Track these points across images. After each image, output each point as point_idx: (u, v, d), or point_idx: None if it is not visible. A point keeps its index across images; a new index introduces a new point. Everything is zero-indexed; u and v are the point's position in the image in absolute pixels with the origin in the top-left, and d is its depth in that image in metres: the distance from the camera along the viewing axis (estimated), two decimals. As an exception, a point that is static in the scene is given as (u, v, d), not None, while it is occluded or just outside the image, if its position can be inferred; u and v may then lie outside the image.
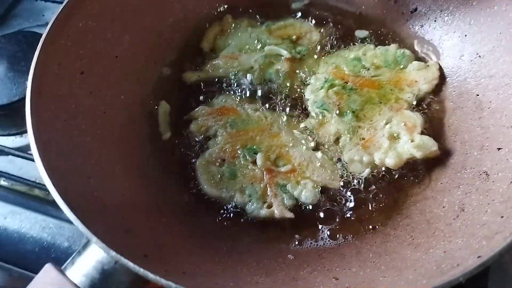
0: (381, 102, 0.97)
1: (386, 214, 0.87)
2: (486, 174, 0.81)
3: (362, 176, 0.90)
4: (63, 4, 0.88)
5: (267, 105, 1.02)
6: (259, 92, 1.04)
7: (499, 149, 0.83)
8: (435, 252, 0.71)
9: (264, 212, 0.86)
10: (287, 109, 1.01)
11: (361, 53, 1.05)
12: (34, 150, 0.71)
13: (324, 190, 0.89)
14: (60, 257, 0.98)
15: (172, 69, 1.09)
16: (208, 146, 0.96)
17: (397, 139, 0.91)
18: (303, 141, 0.95)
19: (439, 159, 0.91)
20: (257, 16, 1.17)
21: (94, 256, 0.65)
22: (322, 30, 1.11)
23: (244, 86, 1.05)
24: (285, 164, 0.91)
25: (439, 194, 0.85)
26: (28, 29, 1.37)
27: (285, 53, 1.05)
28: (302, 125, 0.98)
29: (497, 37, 0.91)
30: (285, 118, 0.99)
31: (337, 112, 0.96)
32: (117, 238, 0.67)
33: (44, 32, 0.84)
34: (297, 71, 1.05)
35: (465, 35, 0.99)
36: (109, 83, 0.95)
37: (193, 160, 0.95)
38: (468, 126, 0.92)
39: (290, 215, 0.85)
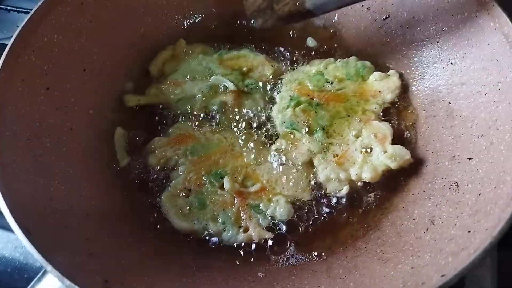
0: (348, 115, 0.96)
1: (357, 226, 0.86)
2: (457, 185, 0.80)
3: (341, 194, 0.89)
4: (27, 18, 0.86)
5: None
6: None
7: (469, 159, 0.82)
8: (403, 268, 0.71)
9: (241, 237, 0.83)
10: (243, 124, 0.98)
11: (322, 67, 1.04)
12: (-9, 173, 0.69)
13: (294, 204, 0.88)
14: (32, 277, 0.96)
15: (138, 84, 1.06)
16: (170, 178, 0.92)
17: (370, 152, 0.91)
18: (268, 157, 0.93)
19: (411, 169, 0.90)
20: (215, 43, 1.13)
21: (53, 284, 0.64)
22: (275, 65, 1.07)
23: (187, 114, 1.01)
24: (253, 184, 0.89)
25: (410, 206, 0.84)
26: (1, 41, 1.35)
27: (230, 85, 1.01)
28: (273, 147, 0.95)
29: (468, 44, 0.90)
30: (242, 136, 0.96)
31: (307, 130, 0.94)
32: (78, 263, 0.65)
33: (6, 47, 0.82)
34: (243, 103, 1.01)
35: (437, 42, 0.98)
36: (77, 98, 0.93)
37: (156, 188, 0.92)
38: (439, 135, 0.91)
39: (268, 235, 0.84)
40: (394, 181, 0.90)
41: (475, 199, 0.74)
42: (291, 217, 0.86)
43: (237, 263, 0.83)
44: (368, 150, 0.91)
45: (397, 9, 1.04)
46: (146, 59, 1.09)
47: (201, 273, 0.79)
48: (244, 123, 0.98)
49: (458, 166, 0.83)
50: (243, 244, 0.85)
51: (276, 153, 0.93)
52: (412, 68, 1.03)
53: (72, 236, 0.72)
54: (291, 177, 0.90)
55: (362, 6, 1.09)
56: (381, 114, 0.98)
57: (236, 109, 1.00)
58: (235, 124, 0.99)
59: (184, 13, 1.14)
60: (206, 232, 0.85)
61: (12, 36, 1.38)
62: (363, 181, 0.89)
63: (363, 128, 0.94)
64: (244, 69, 1.06)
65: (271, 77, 1.05)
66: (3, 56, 0.81)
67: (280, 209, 0.85)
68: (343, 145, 0.93)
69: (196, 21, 1.16)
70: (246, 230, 0.84)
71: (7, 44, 1.29)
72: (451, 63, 0.94)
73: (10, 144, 0.76)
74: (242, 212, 0.86)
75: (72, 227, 0.74)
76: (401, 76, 1.02)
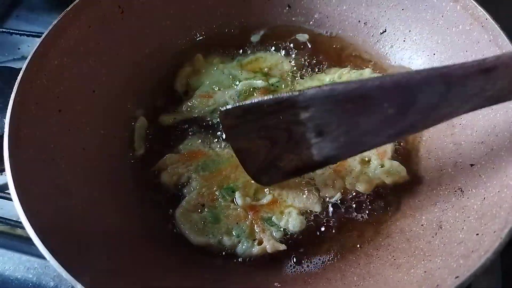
0: None
1: (368, 234, 0.88)
2: (461, 191, 0.84)
3: (333, 201, 0.92)
4: (38, 43, 0.88)
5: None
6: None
7: (471, 165, 0.85)
8: (416, 272, 0.73)
9: (256, 250, 0.85)
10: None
11: (336, 76, 1.07)
12: (14, 196, 0.71)
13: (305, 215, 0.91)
14: (45, 299, 0.97)
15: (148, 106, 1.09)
16: (183, 194, 0.94)
17: (368, 164, 0.94)
18: None
19: (415, 177, 0.93)
20: (226, 52, 1.17)
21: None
22: (292, 61, 1.13)
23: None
24: (265, 196, 0.91)
25: (418, 212, 0.87)
26: (4, 64, 1.37)
27: (259, 82, 1.06)
28: None
29: (464, 55, 0.95)
30: None
31: None
32: (103, 281, 0.67)
33: (20, 72, 0.84)
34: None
35: (434, 54, 1.02)
36: (88, 119, 0.95)
37: (170, 205, 0.93)
38: (441, 143, 0.95)
39: (282, 247, 0.85)
40: (400, 189, 0.93)
41: (480, 203, 0.77)
42: (303, 228, 0.89)
43: (253, 275, 0.84)
44: (366, 160, 0.95)
45: (393, 23, 1.09)
46: (153, 78, 1.11)
47: (217, 285, 0.80)
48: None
49: (461, 172, 0.86)
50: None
51: None
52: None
53: (93, 256, 0.74)
54: (302, 189, 0.92)
55: (359, 21, 1.14)
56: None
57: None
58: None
59: (188, 33, 1.17)
60: (222, 246, 0.87)
61: (13, 59, 1.43)
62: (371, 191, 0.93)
63: None
64: (265, 69, 1.11)
65: (294, 69, 1.11)
66: (17, 81, 0.83)
67: (292, 221, 0.88)
68: None
69: (199, 39, 1.19)
70: (260, 242, 0.86)
71: (8, 67, 1.34)
72: (448, 74, 0.98)
73: (27, 167, 0.77)
74: (255, 225, 0.88)
75: (92, 246, 0.76)
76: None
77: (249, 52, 1.16)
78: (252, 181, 0.92)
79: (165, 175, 0.96)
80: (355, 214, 0.91)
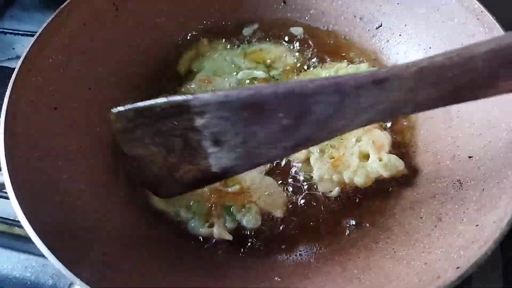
0: None
1: (366, 227, 0.88)
2: (460, 183, 0.84)
3: (332, 195, 0.92)
4: (32, 40, 0.87)
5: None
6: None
7: (470, 157, 0.85)
8: (417, 264, 0.73)
9: (203, 230, 0.87)
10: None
11: (333, 71, 1.07)
12: (11, 195, 0.70)
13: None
14: (44, 297, 0.96)
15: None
16: None
17: (366, 158, 0.94)
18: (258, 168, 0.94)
19: (414, 170, 0.93)
20: (232, 38, 1.18)
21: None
22: (296, 54, 1.13)
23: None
24: (234, 185, 0.92)
25: (416, 205, 0.87)
26: (-2, 64, 1.36)
27: (260, 73, 1.07)
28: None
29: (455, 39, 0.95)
30: None
31: None
32: (102, 277, 0.66)
33: (15, 70, 0.83)
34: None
35: (430, 48, 1.02)
36: (83, 116, 0.94)
37: None
38: (438, 136, 0.94)
39: (228, 237, 0.87)
40: (397, 183, 0.93)
41: (479, 195, 0.77)
42: (256, 227, 0.89)
43: (252, 269, 0.84)
44: (364, 155, 0.95)
45: (389, 18, 1.09)
46: (148, 75, 1.10)
47: (217, 283, 0.80)
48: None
49: (459, 165, 0.86)
50: (248, 249, 0.88)
51: None
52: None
53: (91, 252, 0.73)
54: (271, 191, 0.93)
55: (355, 16, 1.14)
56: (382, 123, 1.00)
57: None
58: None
59: (182, 29, 1.16)
60: (177, 216, 0.90)
61: (8, 59, 1.42)
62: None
63: (363, 134, 0.97)
64: (268, 61, 1.11)
65: (298, 64, 1.11)
66: (12, 79, 0.82)
67: (248, 217, 0.89)
68: (341, 148, 0.96)
69: (194, 34, 1.18)
70: (211, 225, 0.88)
71: (3, 67, 1.33)
72: (445, 67, 0.98)
73: (23, 165, 0.77)
74: (213, 209, 0.89)
75: (91, 244, 0.75)
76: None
77: (254, 41, 1.17)
78: None
79: None
80: (353, 207, 0.91)
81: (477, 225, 0.71)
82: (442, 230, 0.78)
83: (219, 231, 0.87)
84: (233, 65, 1.10)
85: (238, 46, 1.16)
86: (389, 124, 1.01)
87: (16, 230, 1.06)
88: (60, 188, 0.80)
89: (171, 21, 1.13)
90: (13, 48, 1.43)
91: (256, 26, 1.20)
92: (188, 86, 1.08)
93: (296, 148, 0.73)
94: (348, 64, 1.09)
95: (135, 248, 0.81)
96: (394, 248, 0.80)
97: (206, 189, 0.91)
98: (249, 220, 0.89)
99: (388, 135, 0.97)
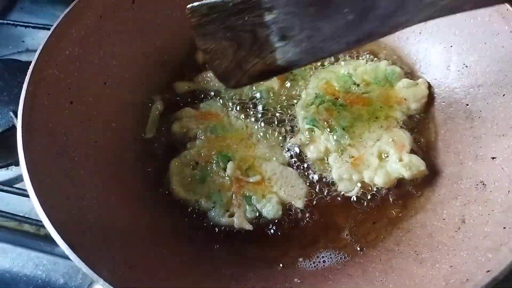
0: (370, 119, 0.97)
1: (388, 228, 0.87)
2: (483, 184, 0.82)
3: (351, 195, 0.91)
4: (49, 32, 0.85)
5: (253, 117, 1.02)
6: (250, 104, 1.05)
7: (493, 158, 0.84)
8: (442, 267, 0.72)
9: (224, 220, 0.87)
10: (274, 123, 1.02)
11: (351, 68, 1.05)
12: (30, 189, 0.69)
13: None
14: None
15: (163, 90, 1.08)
16: (185, 148, 0.97)
17: (386, 158, 0.92)
18: (277, 155, 0.96)
19: (435, 171, 0.92)
20: None
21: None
22: None
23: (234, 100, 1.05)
24: (254, 175, 0.92)
25: (438, 206, 0.86)
26: (8, 57, 1.34)
27: None
28: (291, 141, 0.98)
29: (482, 47, 0.93)
30: (263, 129, 1.00)
31: (328, 129, 0.96)
32: (122, 276, 0.65)
33: (32, 62, 0.82)
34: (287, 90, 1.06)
35: (451, 46, 1.00)
36: (99, 111, 0.93)
37: None
38: (460, 136, 0.93)
39: (249, 227, 0.86)
40: (418, 183, 0.92)
41: (505, 197, 0.76)
42: (277, 218, 0.88)
43: (272, 271, 0.83)
44: (385, 156, 0.93)
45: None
46: (164, 69, 1.09)
47: (239, 284, 0.78)
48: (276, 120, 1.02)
49: (483, 166, 0.85)
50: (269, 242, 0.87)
51: (293, 146, 0.97)
52: (427, 72, 1.05)
53: (110, 249, 0.72)
54: (292, 181, 0.92)
55: (373, 13, 1.12)
56: (403, 122, 0.98)
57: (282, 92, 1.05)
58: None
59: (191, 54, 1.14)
60: (198, 206, 0.90)
61: (18, 51, 1.40)
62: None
63: (383, 133, 0.95)
64: None
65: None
66: (29, 71, 0.80)
67: (269, 207, 0.88)
68: (360, 147, 0.94)
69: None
70: (231, 215, 0.88)
71: (13, 59, 1.31)
72: (466, 66, 0.97)
73: (41, 159, 0.75)
74: (234, 199, 0.89)
75: (108, 240, 0.74)
76: (430, 86, 1.02)
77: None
78: (249, 158, 0.94)
79: (176, 125, 1.00)
80: (373, 208, 0.90)
81: (504, 228, 0.70)
82: (467, 232, 0.77)
83: (240, 221, 0.86)
84: None
85: None
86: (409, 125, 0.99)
87: (26, 227, 1.05)
88: (78, 185, 0.79)
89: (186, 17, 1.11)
90: (23, 41, 1.42)
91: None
92: (205, 75, 1.08)
93: (359, 42, 0.78)
94: (366, 62, 1.08)
95: (155, 246, 0.80)
96: (416, 251, 0.79)
97: (227, 178, 0.91)
98: (270, 211, 0.87)
99: (408, 134, 0.96)
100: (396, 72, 1.04)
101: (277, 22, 0.77)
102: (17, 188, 1.04)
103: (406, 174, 0.90)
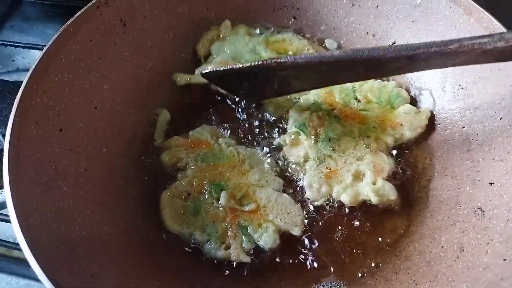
0: (360, 137, 0.96)
1: (385, 255, 0.85)
2: (482, 211, 0.81)
3: (315, 204, 0.91)
4: (37, 59, 0.83)
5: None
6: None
7: (491, 183, 0.83)
8: (441, 299, 0.70)
9: (220, 253, 0.84)
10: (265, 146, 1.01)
11: (358, 83, 1.04)
12: (15, 225, 0.66)
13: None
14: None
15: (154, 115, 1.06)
16: (176, 177, 0.94)
17: (361, 179, 0.91)
18: (272, 181, 0.93)
19: (431, 194, 0.91)
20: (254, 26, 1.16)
21: None
22: (317, 49, 1.11)
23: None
24: (249, 203, 0.89)
25: (436, 233, 0.84)
26: (-2, 76, 1.32)
27: None
28: (275, 141, 0.99)
29: (478, 69, 0.92)
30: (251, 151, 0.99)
31: (313, 136, 0.96)
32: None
33: (19, 91, 0.79)
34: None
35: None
36: (90, 137, 0.91)
37: None
38: (457, 159, 0.92)
39: (246, 259, 0.84)
40: (415, 207, 0.90)
41: (504, 225, 0.75)
42: (274, 247, 0.86)
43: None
44: (360, 176, 0.92)
45: (403, 35, 1.07)
46: (155, 92, 1.07)
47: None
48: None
49: (480, 191, 0.84)
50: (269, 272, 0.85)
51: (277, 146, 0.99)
52: (421, 92, 1.04)
53: (99, 286, 0.69)
54: (288, 208, 0.90)
55: (367, 33, 1.11)
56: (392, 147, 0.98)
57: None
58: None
59: (191, 46, 1.13)
60: (192, 239, 0.87)
61: (8, 71, 1.38)
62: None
63: (367, 154, 0.94)
64: (290, 52, 1.08)
65: None
66: (16, 100, 0.78)
67: (266, 237, 0.85)
68: (340, 162, 0.94)
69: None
70: (227, 247, 0.85)
71: (2, 80, 1.29)
72: (462, 88, 0.96)
73: (29, 192, 0.73)
74: (229, 229, 0.86)
75: (97, 274, 0.72)
76: (432, 116, 1.00)
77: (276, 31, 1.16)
78: (242, 186, 0.92)
79: (165, 154, 0.97)
80: (369, 234, 0.88)
81: (504, 260, 0.68)
82: (466, 262, 0.75)
83: (237, 253, 0.83)
84: (254, 52, 1.07)
85: (261, 33, 1.13)
86: (394, 152, 0.98)
87: (15, 253, 1.02)
88: (66, 216, 0.76)
89: (180, 38, 1.10)
90: (13, 60, 1.39)
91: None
92: (210, 67, 1.06)
93: (366, 79, 1.00)
94: (375, 80, 1.06)
95: (148, 280, 0.77)
96: (415, 280, 0.78)
97: (220, 208, 0.88)
98: (267, 241, 0.85)
99: (392, 162, 0.95)
100: (402, 96, 1.03)
101: (291, 74, 0.90)
102: (5, 215, 1.01)
103: (374, 199, 0.89)
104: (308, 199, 0.92)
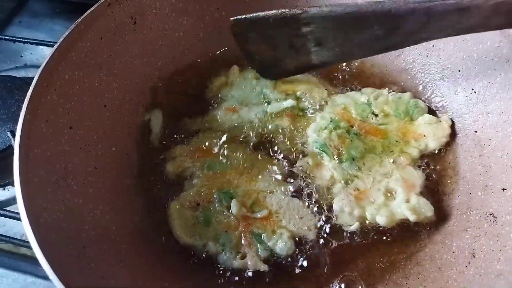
0: (383, 153, 0.93)
1: (395, 260, 0.84)
2: (494, 217, 0.80)
3: (349, 230, 0.86)
4: (48, 57, 0.83)
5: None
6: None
7: (503, 189, 0.82)
8: (452, 306, 0.69)
9: (237, 263, 0.81)
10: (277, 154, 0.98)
11: (372, 97, 1.01)
12: (26, 224, 0.66)
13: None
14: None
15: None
16: (183, 187, 0.92)
17: (393, 196, 0.88)
18: (282, 187, 0.91)
19: (443, 199, 0.90)
20: None
21: None
22: (328, 88, 1.07)
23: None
24: (261, 210, 0.87)
25: (448, 238, 0.83)
26: (6, 72, 1.32)
27: (289, 102, 1.01)
28: (298, 163, 0.94)
29: (491, 74, 0.91)
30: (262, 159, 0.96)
31: (336, 156, 0.93)
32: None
33: (30, 88, 0.79)
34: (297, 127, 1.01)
35: (459, 70, 0.98)
36: (99, 136, 0.90)
37: None
38: (469, 164, 0.91)
39: (264, 268, 0.81)
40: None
41: (517, 232, 0.74)
42: (290, 254, 0.83)
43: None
44: (392, 194, 0.88)
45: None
46: (164, 91, 1.07)
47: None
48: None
49: (493, 197, 0.83)
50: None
51: (301, 169, 0.93)
52: (433, 96, 1.03)
53: (108, 286, 0.69)
54: (300, 213, 0.88)
55: None
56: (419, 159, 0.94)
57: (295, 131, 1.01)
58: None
59: (202, 45, 1.12)
60: (206, 250, 0.84)
61: (16, 67, 1.38)
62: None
63: (394, 170, 0.91)
64: (298, 93, 1.05)
65: (324, 98, 1.04)
66: (27, 98, 0.78)
67: (281, 244, 0.83)
68: (367, 181, 0.90)
69: (219, 52, 1.15)
70: (243, 257, 0.82)
71: (10, 76, 1.29)
72: (475, 92, 0.95)
73: (39, 191, 0.72)
74: (243, 238, 0.84)
75: (107, 276, 0.71)
76: (453, 124, 0.97)
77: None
78: (252, 192, 0.90)
79: (170, 164, 0.95)
80: (380, 238, 0.87)
81: (518, 267, 0.68)
82: (477, 268, 0.75)
83: (253, 262, 0.81)
84: (262, 96, 1.04)
85: None
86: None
87: (23, 250, 1.02)
88: (76, 215, 0.76)
89: (191, 36, 1.09)
90: (21, 56, 1.39)
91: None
92: (214, 114, 1.04)
93: (385, 50, 0.92)
94: (389, 91, 1.03)
95: (157, 281, 0.77)
96: (425, 286, 0.77)
97: (232, 217, 0.86)
98: (283, 248, 0.83)
99: (422, 174, 0.91)
100: (419, 106, 1.00)
101: (314, 33, 0.89)
102: (13, 212, 1.01)
103: (412, 217, 0.84)
104: (341, 224, 0.87)
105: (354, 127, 0.97)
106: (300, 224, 0.86)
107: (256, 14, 0.90)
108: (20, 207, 0.68)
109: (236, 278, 0.82)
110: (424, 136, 0.95)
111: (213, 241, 0.84)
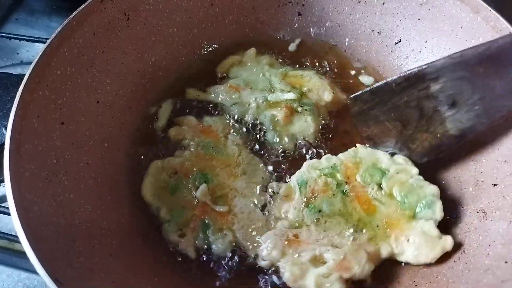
0: (353, 227, 0.82)
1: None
2: (484, 212, 0.80)
3: (260, 264, 0.82)
4: (39, 52, 0.83)
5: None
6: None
7: (494, 185, 0.82)
8: (441, 301, 0.69)
9: (173, 238, 0.84)
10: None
11: (394, 170, 0.87)
12: (15, 218, 0.66)
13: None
14: (44, 318, 0.93)
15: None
16: (173, 154, 0.96)
17: (319, 265, 0.78)
18: (255, 199, 0.90)
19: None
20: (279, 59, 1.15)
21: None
22: (336, 91, 1.05)
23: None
24: (222, 206, 0.87)
25: (438, 233, 0.83)
26: (2, 69, 1.32)
27: (289, 94, 1.00)
28: (270, 185, 0.92)
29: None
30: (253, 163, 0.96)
31: (305, 199, 0.86)
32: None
33: (21, 84, 0.79)
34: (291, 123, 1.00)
35: (452, 66, 0.98)
36: (91, 131, 0.90)
37: None
38: (460, 160, 0.91)
39: (191, 254, 0.83)
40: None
41: (506, 227, 0.74)
42: (223, 255, 0.83)
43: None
44: (321, 260, 0.79)
45: (409, 33, 1.05)
46: (157, 87, 1.07)
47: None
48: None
49: (483, 192, 0.83)
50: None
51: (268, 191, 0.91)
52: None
53: (98, 280, 0.70)
54: (255, 225, 0.86)
55: (373, 30, 1.10)
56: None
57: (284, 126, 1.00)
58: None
59: (195, 41, 1.13)
60: (157, 214, 0.88)
61: (12, 64, 1.38)
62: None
63: (347, 247, 0.79)
64: (305, 89, 1.04)
65: (328, 101, 1.03)
66: (18, 93, 0.78)
67: (219, 244, 0.83)
68: (312, 237, 0.81)
69: (209, 49, 1.15)
70: (182, 235, 0.85)
71: (6, 73, 1.29)
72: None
73: (30, 186, 0.73)
74: (192, 221, 0.86)
75: (97, 269, 0.72)
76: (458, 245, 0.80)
77: (297, 66, 1.13)
78: (226, 187, 0.90)
79: (173, 129, 0.99)
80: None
81: (506, 262, 0.68)
82: (466, 263, 0.75)
83: (186, 245, 0.84)
84: (268, 83, 1.05)
85: (283, 66, 1.11)
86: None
87: (17, 246, 1.02)
88: (66, 210, 0.76)
89: (184, 33, 1.09)
90: (18, 53, 1.39)
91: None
92: (217, 89, 1.06)
93: None
94: (412, 177, 0.88)
95: (147, 276, 0.77)
96: (415, 281, 0.77)
97: (196, 199, 0.88)
98: (219, 248, 0.83)
99: (367, 270, 0.78)
100: (434, 209, 0.82)
101: (445, 90, 0.75)
102: (6, 207, 1.01)
103: None
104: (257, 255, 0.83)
105: (347, 186, 0.87)
106: (249, 238, 0.85)
107: (376, 84, 0.81)
108: (9, 201, 0.68)
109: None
110: (408, 241, 0.80)
111: (167, 209, 0.87)
